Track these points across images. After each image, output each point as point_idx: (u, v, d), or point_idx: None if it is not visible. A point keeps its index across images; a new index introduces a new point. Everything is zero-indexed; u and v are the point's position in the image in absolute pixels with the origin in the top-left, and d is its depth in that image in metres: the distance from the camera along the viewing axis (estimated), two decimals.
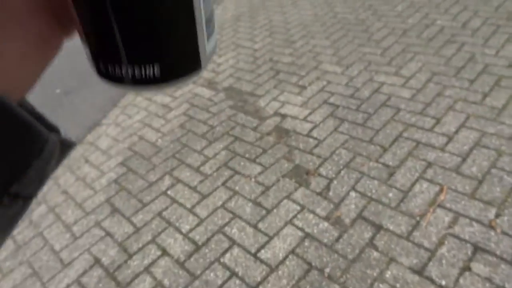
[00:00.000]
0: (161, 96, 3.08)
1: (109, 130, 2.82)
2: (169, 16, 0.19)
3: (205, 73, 3.27)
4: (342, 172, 2.02)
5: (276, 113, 2.58)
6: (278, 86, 2.85)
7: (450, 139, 2.04)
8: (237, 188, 2.07)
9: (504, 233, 1.57)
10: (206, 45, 0.22)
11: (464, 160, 1.91)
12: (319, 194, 1.94)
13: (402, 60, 2.78)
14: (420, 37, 2.99)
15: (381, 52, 2.94)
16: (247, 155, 2.27)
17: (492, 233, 1.58)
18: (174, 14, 0.19)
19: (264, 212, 1.91)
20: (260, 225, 1.85)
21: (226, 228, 1.88)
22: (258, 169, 2.16)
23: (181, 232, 1.91)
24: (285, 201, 1.95)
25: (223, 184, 2.11)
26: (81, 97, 3.37)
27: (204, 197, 2.06)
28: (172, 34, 0.20)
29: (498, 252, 1.50)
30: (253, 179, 2.11)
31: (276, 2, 4.42)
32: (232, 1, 4.81)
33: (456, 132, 2.07)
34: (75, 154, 2.64)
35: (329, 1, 4.07)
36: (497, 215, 1.64)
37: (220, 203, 2.01)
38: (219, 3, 4.84)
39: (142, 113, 2.91)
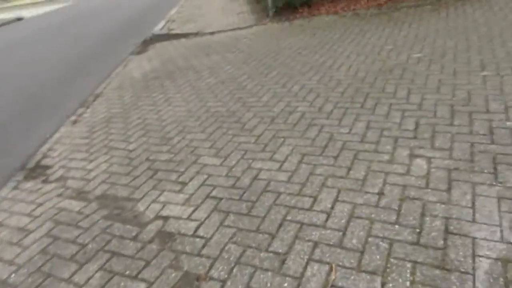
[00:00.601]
0: (16, 217, 2.63)
1: None
2: None
3: (73, 183, 2.95)
4: (235, 270, 1.90)
5: (157, 216, 2.40)
6: (157, 186, 2.71)
7: (328, 215, 2.13)
8: None
9: None
10: None
11: (344, 233, 1.99)
12: None
13: (274, 145, 2.95)
14: (286, 123, 3.27)
15: (254, 140, 3.10)
16: (127, 272, 2.00)
17: None
18: None
19: None
20: None
21: None
22: (142, 286, 1.90)
23: None
24: None
25: None
26: None
27: None
28: None
29: None
30: None
31: (149, 101, 4.45)
32: (102, 103, 4.69)
33: (332, 207, 2.19)
34: None
35: (201, 96, 4.27)
36: (383, 284, 1.68)
37: None
38: (88, 106, 4.66)
39: None
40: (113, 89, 5.21)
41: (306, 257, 1.90)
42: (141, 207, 2.52)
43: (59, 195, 2.82)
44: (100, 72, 6.26)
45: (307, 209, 2.21)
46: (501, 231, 1.81)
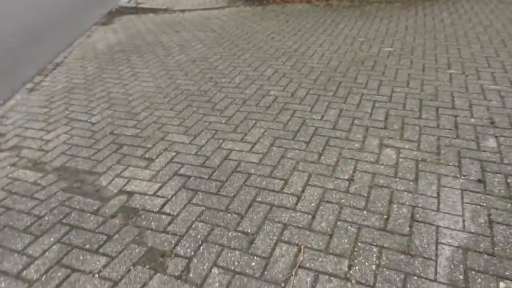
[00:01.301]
0: None
1: None
2: None
3: (28, 152, 2.75)
4: (201, 248, 1.85)
5: (121, 191, 2.29)
6: (121, 161, 2.59)
7: (299, 198, 2.13)
8: None
9: (358, 282, 1.63)
10: None
11: (313, 217, 1.99)
12: (179, 277, 1.71)
13: (246, 127, 2.91)
14: (258, 106, 3.23)
15: (225, 120, 3.03)
16: (87, 246, 1.89)
17: (349, 285, 1.63)
18: None
19: None
20: None
21: None
22: (103, 261, 1.80)
23: None
24: None
25: None
26: None
27: None
28: None
29: None
30: (96, 275, 1.73)
31: (114, 74, 4.23)
32: (62, 72, 4.40)
33: (303, 190, 2.18)
34: None
35: (171, 73, 4.12)
36: (350, 266, 1.71)
37: None
38: (47, 75, 4.35)
39: None
40: (75, 59, 4.90)
41: (275, 238, 1.88)
42: (103, 181, 2.39)
43: (13, 164, 2.62)
44: (61, 41, 5.87)
45: (278, 191, 2.19)
46: (463, 221, 1.89)
